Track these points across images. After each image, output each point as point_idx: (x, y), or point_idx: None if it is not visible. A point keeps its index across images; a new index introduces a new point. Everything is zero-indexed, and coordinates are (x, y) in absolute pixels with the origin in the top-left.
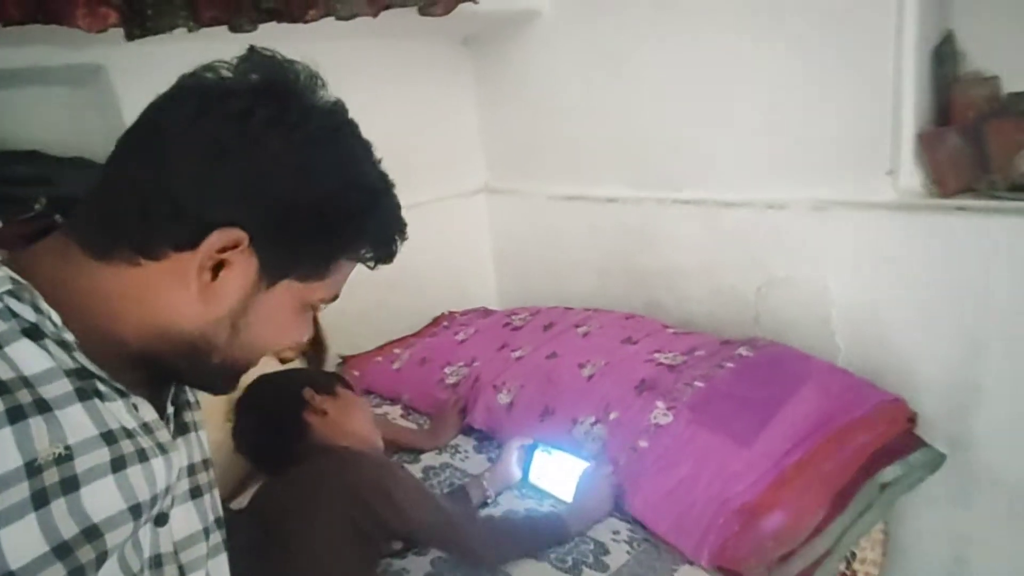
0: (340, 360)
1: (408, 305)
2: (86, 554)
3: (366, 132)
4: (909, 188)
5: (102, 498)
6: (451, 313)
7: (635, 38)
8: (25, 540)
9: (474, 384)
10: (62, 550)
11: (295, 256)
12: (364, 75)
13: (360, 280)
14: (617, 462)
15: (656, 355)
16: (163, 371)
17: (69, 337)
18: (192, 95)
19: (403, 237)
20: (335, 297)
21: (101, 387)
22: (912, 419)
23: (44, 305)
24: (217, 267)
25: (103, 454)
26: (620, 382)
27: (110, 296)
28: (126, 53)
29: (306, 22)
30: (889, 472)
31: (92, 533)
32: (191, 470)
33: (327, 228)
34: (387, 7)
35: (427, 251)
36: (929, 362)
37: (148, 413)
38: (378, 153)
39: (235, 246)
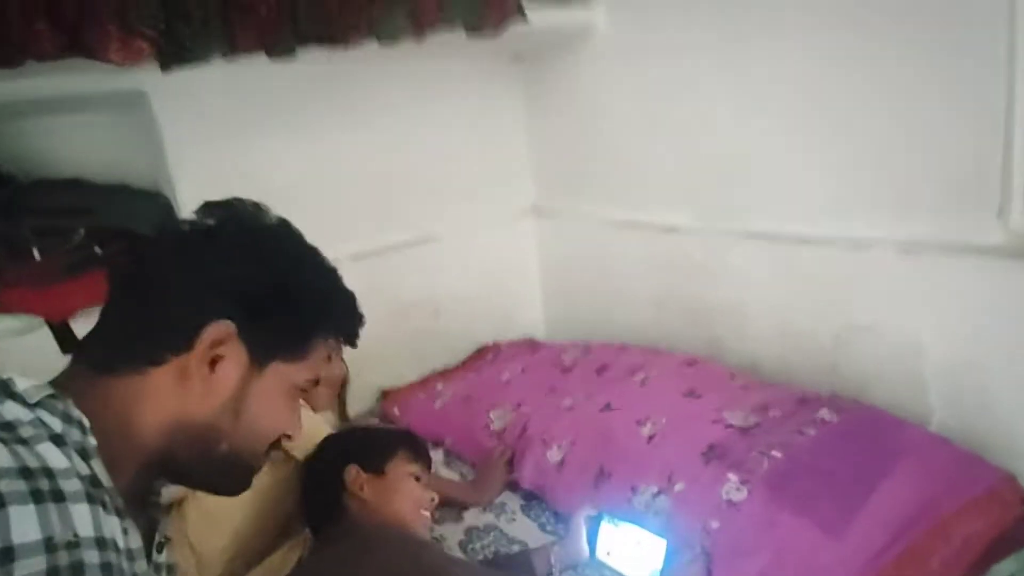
0: (380, 394)
1: (451, 333)
2: None
3: (410, 152)
4: (1020, 230)
5: None
6: (496, 344)
7: (700, 55)
8: None
9: (522, 435)
10: None
11: (275, 337)
12: (406, 93)
13: (402, 307)
14: (688, 544)
15: (724, 414)
16: (176, 472)
17: (92, 443)
18: (171, 240)
19: (362, 322)
20: (317, 381)
21: (106, 499)
22: None
23: (76, 412)
24: (214, 362)
25: (94, 555)
26: (685, 447)
27: (123, 403)
28: (167, 78)
29: (347, 46)
30: (1004, 568)
31: None
32: None
33: (294, 307)
34: (432, 28)
35: (471, 276)
36: None
37: (135, 541)
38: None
39: (225, 338)
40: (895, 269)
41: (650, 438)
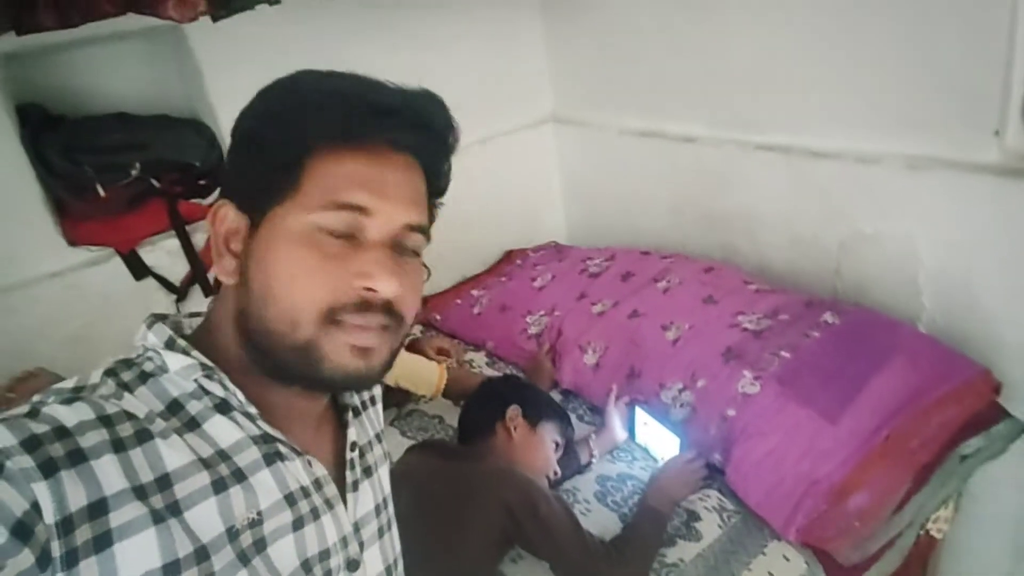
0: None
1: (475, 240)
2: None
3: (433, 67)
4: (1015, 150)
5: (284, 555)
6: (523, 251)
7: None
8: None
9: (558, 338)
10: None
11: (255, 181)
12: (429, 11)
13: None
14: (707, 430)
15: (739, 318)
16: (280, 377)
17: (253, 410)
18: None
19: (375, 103)
20: (353, 208)
21: (282, 449)
22: (997, 389)
23: (231, 385)
24: (227, 243)
25: (286, 516)
26: (706, 349)
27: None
28: None
29: None
30: (971, 444)
31: None
32: (376, 511)
33: (260, 136)
34: None
35: (493, 184)
36: (1017, 329)
37: (319, 469)
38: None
39: (222, 213)
40: (899, 183)
41: (674, 342)
